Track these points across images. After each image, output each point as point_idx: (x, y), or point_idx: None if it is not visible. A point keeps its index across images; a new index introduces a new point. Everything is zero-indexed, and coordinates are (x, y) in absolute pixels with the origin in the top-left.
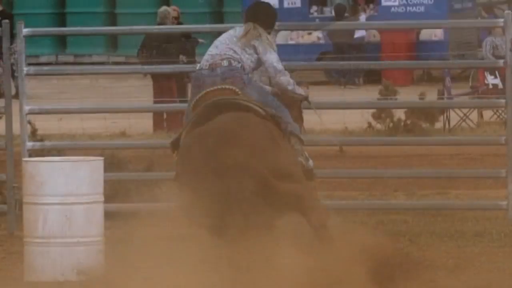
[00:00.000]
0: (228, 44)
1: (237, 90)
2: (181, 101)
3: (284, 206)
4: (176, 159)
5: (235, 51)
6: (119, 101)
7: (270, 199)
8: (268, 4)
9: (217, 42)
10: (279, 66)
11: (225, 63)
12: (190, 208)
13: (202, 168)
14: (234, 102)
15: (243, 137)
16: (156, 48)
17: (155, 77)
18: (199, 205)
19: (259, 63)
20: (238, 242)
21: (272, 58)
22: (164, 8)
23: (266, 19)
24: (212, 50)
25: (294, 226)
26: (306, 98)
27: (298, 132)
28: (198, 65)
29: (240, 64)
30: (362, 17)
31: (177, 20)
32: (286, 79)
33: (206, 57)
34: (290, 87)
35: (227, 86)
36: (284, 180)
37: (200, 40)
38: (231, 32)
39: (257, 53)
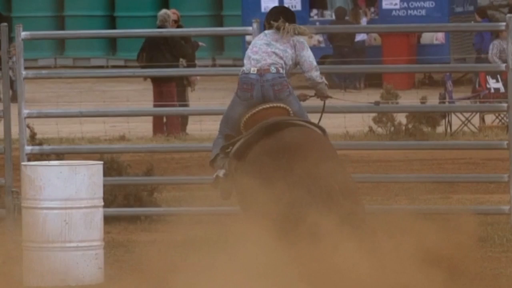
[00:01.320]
0: (267, 48)
1: (288, 109)
2: (181, 105)
3: (345, 224)
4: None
5: (277, 55)
6: (118, 105)
7: (334, 215)
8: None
9: (254, 48)
10: (315, 62)
11: (273, 69)
12: (267, 214)
13: (279, 180)
14: (291, 123)
15: (314, 152)
16: (156, 51)
17: (155, 80)
18: (277, 213)
19: (295, 60)
20: (310, 248)
21: (309, 54)
22: (164, 11)
23: (293, 18)
24: (253, 55)
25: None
26: (330, 97)
27: None
28: (243, 68)
29: (284, 70)
30: (363, 21)
31: (177, 23)
32: (319, 75)
33: (249, 61)
34: (321, 83)
35: (280, 105)
36: (347, 198)
37: (201, 43)
38: (262, 36)
39: (294, 49)
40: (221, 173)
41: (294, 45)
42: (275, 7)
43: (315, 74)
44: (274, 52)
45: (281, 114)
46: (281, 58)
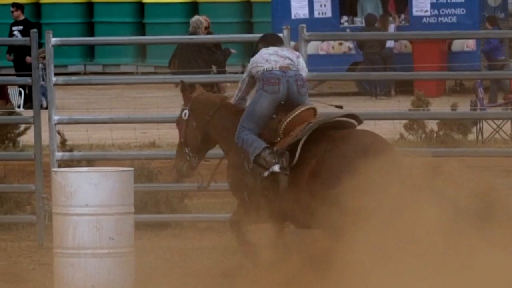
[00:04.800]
0: (280, 52)
1: (316, 108)
2: None
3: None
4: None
5: (290, 59)
6: (149, 111)
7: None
8: None
9: (264, 56)
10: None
11: (293, 68)
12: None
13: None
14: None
15: (392, 151)
16: (188, 58)
17: None
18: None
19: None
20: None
21: (305, 64)
22: (196, 17)
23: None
24: (270, 57)
25: None
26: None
27: None
28: (264, 67)
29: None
30: (391, 27)
31: (207, 30)
32: None
33: (268, 62)
34: None
35: (311, 107)
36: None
37: (232, 51)
38: (276, 49)
39: (297, 59)
40: (276, 167)
41: (298, 56)
42: (266, 35)
43: None
44: (288, 57)
45: (314, 115)
46: (292, 61)
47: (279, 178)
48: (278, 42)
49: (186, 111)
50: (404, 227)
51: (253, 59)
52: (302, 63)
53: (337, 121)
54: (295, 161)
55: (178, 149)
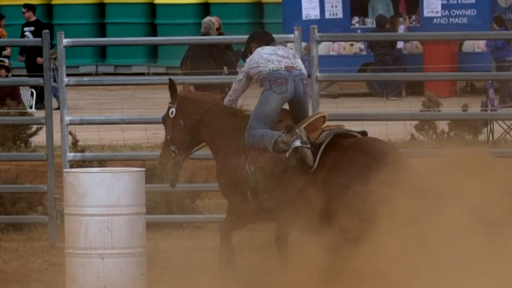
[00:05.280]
0: (278, 52)
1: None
2: None
3: None
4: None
5: (288, 58)
6: (160, 112)
7: None
8: None
9: (264, 55)
10: None
11: (297, 67)
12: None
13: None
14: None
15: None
16: (200, 59)
17: (198, 88)
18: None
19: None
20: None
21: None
22: (208, 18)
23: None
24: (272, 57)
25: None
26: None
27: None
28: (269, 67)
29: None
30: (401, 28)
31: (219, 31)
32: None
33: (271, 62)
34: None
35: (323, 115)
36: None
37: None
38: (261, 50)
39: (292, 56)
40: (297, 142)
41: (294, 56)
42: (257, 33)
43: None
44: (286, 57)
45: (323, 122)
46: (291, 61)
47: (303, 152)
48: (272, 41)
49: (173, 109)
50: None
51: (250, 60)
52: (300, 62)
53: (349, 132)
54: (315, 166)
55: (164, 147)
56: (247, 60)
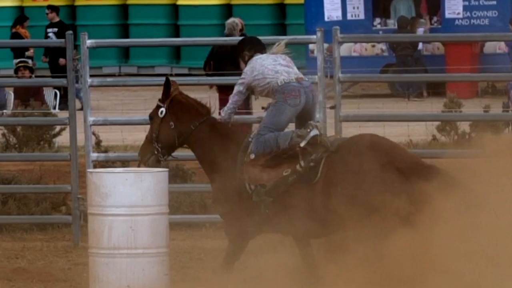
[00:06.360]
0: (283, 62)
1: None
2: (247, 113)
3: None
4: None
5: (292, 68)
6: None
7: None
8: None
9: (268, 66)
10: None
11: (306, 79)
12: None
13: None
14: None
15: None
16: (224, 60)
17: (221, 88)
18: None
19: None
20: None
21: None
22: (232, 19)
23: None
24: (279, 68)
25: None
26: None
27: None
28: (280, 79)
29: None
30: (420, 30)
31: (241, 32)
32: None
33: (279, 73)
34: None
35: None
36: None
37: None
38: (261, 60)
39: (291, 65)
40: (314, 131)
41: (292, 64)
42: (248, 39)
43: None
44: (288, 65)
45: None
46: (294, 69)
47: (322, 140)
48: (263, 48)
49: (163, 109)
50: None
51: (251, 70)
52: (296, 70)
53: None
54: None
55: (147, 142)
56: (247, 71)
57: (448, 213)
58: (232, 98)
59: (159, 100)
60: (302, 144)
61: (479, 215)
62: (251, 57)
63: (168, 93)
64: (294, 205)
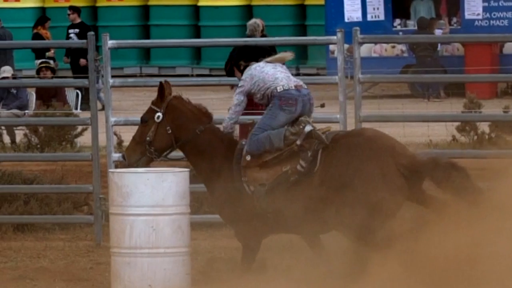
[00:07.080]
0: (282, 70)
1: None
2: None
3: None
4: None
5: (292, 75)
6: None
7: None
8: None
9: (269, 72)
10: None
11: (304, 86)
12: None
13: None
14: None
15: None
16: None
17: None
18: None
19: None
20: None
21: None
22: (253, 20)
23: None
24: (279, 75)
25: None
26: None
27: None
28: (279, 84)
29: None
30: (438, 32)
31: (262, 33)
32: None
33: (279, 79)
34: None
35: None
36: None
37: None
38: (260, 68)
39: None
40: (308, 127)
41: (288, 71)
42: (243, 48)
43: None
44: (286, 72)
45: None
46: (292, 76)
47: (317, 135)
48: (258, 58)
49: (160, 115)
50: None
51: (250, 78)
52: (295, 78)
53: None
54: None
55: (134, 143)
56: (245, 78)
57: (447, 210)
58: (234, 108)
59: (153, 103)
60: (299, 142)
61: (480, 212)
62: (246, 66)
63: (163, 97)
64: (297, 202)
